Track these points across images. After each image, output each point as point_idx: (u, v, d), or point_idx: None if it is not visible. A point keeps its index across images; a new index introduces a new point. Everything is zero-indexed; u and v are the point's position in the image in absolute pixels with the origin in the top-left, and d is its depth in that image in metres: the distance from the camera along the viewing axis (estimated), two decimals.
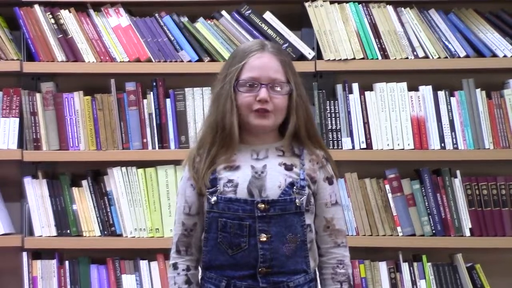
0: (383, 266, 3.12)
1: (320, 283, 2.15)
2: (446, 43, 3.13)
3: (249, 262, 2.06)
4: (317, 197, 2.13)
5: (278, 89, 2.08)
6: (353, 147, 3.12)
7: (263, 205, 2.05)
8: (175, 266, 2.15)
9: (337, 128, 3.13)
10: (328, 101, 3.13)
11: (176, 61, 3.15)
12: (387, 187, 3.13)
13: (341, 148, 3.12)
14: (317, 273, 2.16)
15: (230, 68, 2.11)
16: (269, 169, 2.08)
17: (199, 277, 2.16)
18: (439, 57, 3.12)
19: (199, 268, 2.17)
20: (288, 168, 2.10)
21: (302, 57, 3.16)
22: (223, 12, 3.18)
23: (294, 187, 2.07)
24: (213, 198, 2.07)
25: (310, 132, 2.13)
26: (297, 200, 2.06)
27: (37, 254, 3.20)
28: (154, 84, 3.15)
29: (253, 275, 2.06)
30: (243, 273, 2.06)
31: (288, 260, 2.07)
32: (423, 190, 3.12)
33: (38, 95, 3.17)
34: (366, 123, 3.12)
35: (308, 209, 2.10)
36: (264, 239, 2.05)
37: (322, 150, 2.16)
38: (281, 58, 2.11)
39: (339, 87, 3.14)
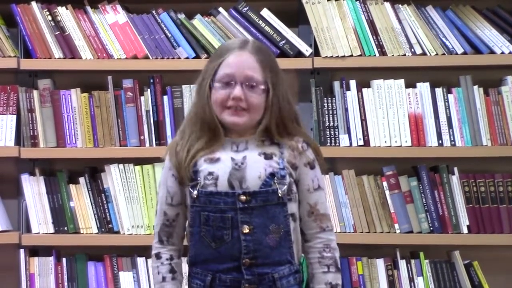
0: (380, 263, 3.12)
1: (308, 267, 2.15)
2: (444, 40, 3.13)
3: (233, 255, 2.06)
4: (299, 183, 2.13)
5: (254, 87, 2.08)
6: (351, 144, 3.12)
7: (244, 197, 2.05)
8: (158, 256, 2.16)
9: (335, 125, 3.13)
10: (325, 98, 3.13)
11: (173, 58, 3.15)
12: (385, 184, 3.12)
13: (339, 145, 3.12)
14: (302, 266, 2.16)
15: (210, 64, 2.13)
16: (249, 160, 2.08)
17: (186, 274, 2.16)
18: (437, 54, 3.12)
19: (181, 257, 2.18)
20: (268, 157, 2.10)
21: (299, 54, 3.15)
22: (220, 9, 3.18)
23: (275, 178, 2.07)
24: (194, 192, 2.08)
25: (279, 126, 2.11)
26: (279, 191, 2.06)
27: (34, 251, 3.20)
28: (151, 81, 3.15)
29: (238, 267, 2.06)
30: (227, 265, 2.07)
31: (273, 251, 2.07)
32: (421, 187, 3.12)
33: (35, 92, 3.16)
34: (363, 120, 3.12)
35: (291, 198, 2.10)
36: (247, 230, 2.05)
37: (300, 137, 2.15)
38: (260, 57, 2.10)
39: (336, 84, 3.14)
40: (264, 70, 2.10)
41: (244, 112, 2.08)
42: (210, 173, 2.08)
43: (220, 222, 2.06)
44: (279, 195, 2.07)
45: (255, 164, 2.08)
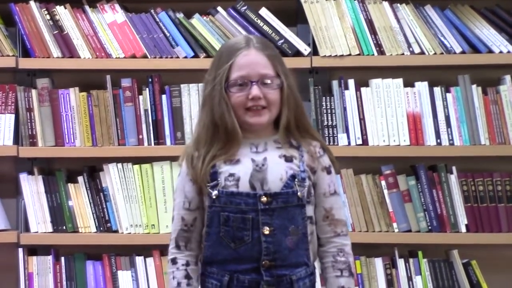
0: (379, 262, 3.12)
1: (322, 271, 2.15)
2: (442, 39, 3.13)
3: (253, 256, 2.05)
4: (316, 187, 2.13)
5: (269, 83, 2.08)
6: (349, 143, 3.12)
7: (265, 198, 2.04)
8: (174, 261, 2.13)
9: (333, 124, 3.13)
10: (324, 97, 3.13)
11: (171, 57, 3.14)
12: (383, 183, 3.13)
13: (337, 144, 3.12)
14: (316, 267, 2.16)
15: (218, 69, 2.09)
16: (270, 161, 2.08)
17: (199, 273, 2.15)
18: (435, 53, 3.12)
19: (199, 264, 2.15)
20: (288, 159, 2.09)
21: (298, 53, 3.15)
22: (219, 8, 3.18)
23: (296, 180, 2.07)
24: (214, 192, 2.07)
25: (300, 124, 2.12)
26: (299, 193, 2.06)
27: (33, 250, 3.20)
28: (150, 80, 3.15)
29: (257, 269, 2.05)
30: (246, 266, 2.06)
31: (290, 253, 2.06)
32: (419, 186, 3.12)
33: (33, 91, 3.16)
34: (362, 119, 3.12)
35: (309, 201, 2.10)
36: (267, 232, 2.04)
37: (317, 141, 2.15)
38: (267, 52, 2.10)
39: (335, 83, 3.14)
40: (274, 64, 2.09)
41: (264, 111, 2.08)
42: (231, 174, 2.07)
43: (240, 223, 2.05)
44: (299, 196, 2.07)
45: (276, 166, 2.08)
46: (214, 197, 2.07)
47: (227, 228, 2.06)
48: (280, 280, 2.06)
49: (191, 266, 2.13)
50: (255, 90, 2.06)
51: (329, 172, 2.15)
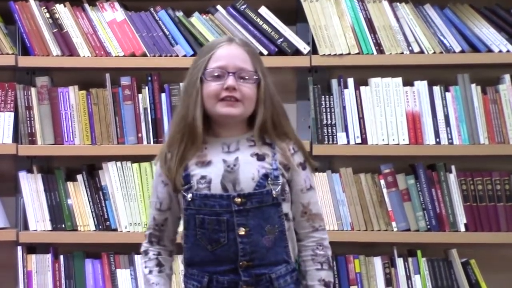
0: (377, 261, 3.12)
1: (300, 265, 2.15)
2: (442, 38, 3.13)
3: (230, 257, 2.06)
4: (292, 184, 2.13)
5: (246, 77, 2.08)
6: (348, 142, 3.12)
7: (239, 199, 2.05)
8: (146, 252, 2.18)
9: (332, 123, 3.13)
10: (323, 96, 3.13)
11: (171, 56, 3.15)
12: (382, 182, 3.12)
13: (336, 143, 3.12)
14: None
15: (198, 61, 2.11)
16: (241, 161, 2.08)
17: (182, 275, 2.17)
18: (434, 52, 3.12)
19: (173, 256, 2.19)
20: (260, 158, 2.09)
21: (297, 52, 3.15)
22: (218, 7, 3.18)
23: (269, 178, 2.07)
24: (189, 195, 2.07)
25: (276, 124, 2.11)
26: (273, 192, 2.06)
27: (32, 248, 3.20)
28: (149, 78, 3.15)
29: (235, 269, 2.06)
30: (224, 268, 2.07)
31: (268, 251, 2.07)
32: (418, 185, 3.12)
33: (33, 90, 3.17)
34: (361, 118, 3.12)
35: (284, 198, 2.10)
36: (243, 232, 2.05)
37: (291, 140, 2.15)
38: (248, 49, 2.12)
39: (334, 82, 3.14)
40: (254, 61, 2.10)
41: (238, 103, 2.07)
42: (203, 177, 2.08)
43: (215, 225, 2.06)
44: (274, 195, 2.07)
45: (248, 166, 2.08)
46: (189, 199, 2.07)
47: (203, 230, 2.07)
48: (259, 279, 2.07)
49: (163, 256, 2.17)
50: (230, 80, 2.06)
51: (304, 168, 2.15)
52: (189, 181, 2.08)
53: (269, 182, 2.07)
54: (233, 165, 2.07)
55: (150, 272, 2.15)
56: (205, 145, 2.11)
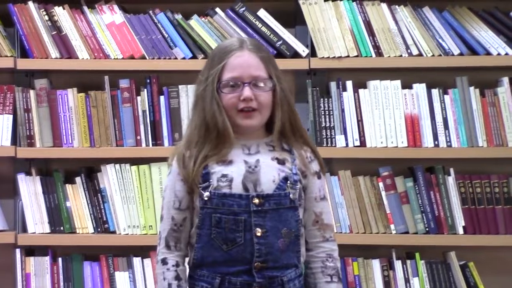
0: (376, 264, 3.12)
1: (309, 277, 2.14)
2: (440, 41, 3.14)
3: (245, 257, 2.05)
4: (306, 191, 2.13)
5: (262, 85, 2.07)
6: (347, 145, 3.12)
7: (258, 200, 2.04)
8: (164, 261, 2.12)
9: (331, 125, 3.13)
10: (322, 99, 3.13)
11: (170, 58, 3.15)
12: (381, 184, 3.13)
13: (335, 146, 3.12)
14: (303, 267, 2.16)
15: (210, 70, 2.09)
16: (262, 163, 2.08)
17: (187, 276, 2.15)
18: (433, 55, 3.12)
19: (186, 266, 2.16)
20: (281, 162, 2.10)
21: (296, 55, 3.15)
22: (217, 10, 3.18)
23: (288, 182, 2.07)
24: (206, 194, 2.06)
25: (294, 127, 2.12)
26: (291, 195, 2.06)
27: (30, 251, 3.20)
28: (148, 81, 3.15)
29: (248, 271, 2.05)
30: (237, 268, 2.05)
31: (282, 254, 2.06)
32: (417, 188, 3.12)
33: (32, 92, 3.16)
34: (360, 121, 3.12)
35: (300, 203, 2.10)
36: (260, 233, 2.04)
37: (307, 145, 2.16)
38: (260, 54, 2.10)
39: (333, 85, 3.14)
40: (267, 66, 2.09)
41: (255, 113, 2.07)
42: (224, 175, 2.07)
43: (233, 225, 2.05)
44: (291, 198, 2.07)
45: (269, 168, 2.08)
46: (206, 198, 2.06)
47: (219, 229, 2.05)
48: (272, 282, 2.06)
49: (181, 266, 2.13)
50: (246, 91, 2.06)
51: (319, 177, 2.15)
52: (208, 179, 2.07)
53: (288, 185, 2.07)
54: (255, 166, 2.07)
55: (169, 286, 2.10)
56: (230, 149, 2.10)
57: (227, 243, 2.05)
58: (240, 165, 2.08)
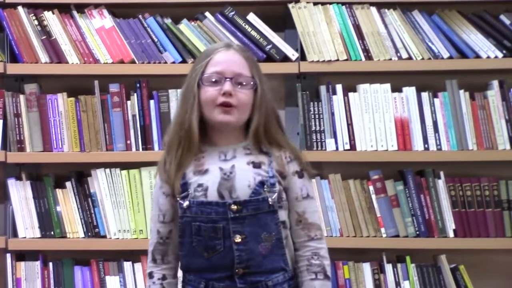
0: (367, 267, 3.12)
1: (298, 276, 2.13)
2: (430, 44, 3.14)
3: (226, 264, 2.05)
4: (288, 192, 2.12)
5: (243, 83, 2.09)
6: (337, 148, 3.12)
7: (235, 206, 2.05)
8: (150, 275, 2.14)
9: (321, 129, 3.13)
10: (311, 103, 3.13)
11: (159, 63, 3.15)
12: (371, 188, 3.13)
13: (325, 149, 3.12)
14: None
15: (195, 67, 2.12)
16: (237, 168, 2.08)
17: (180, 279, 2.16)
18: (423, 58, 3.12)
19: (177, 276, 2.17)
20: (256, 166, 2.09)
21: (285, 59, 3.15)
22: (207, 14, 3.18)
23: (265, 186, 2.07)
24: (185, 203, 2.07)
25: (268, 132, 2.12)
26: (269, 199, 2.06)
27: (21, 255, 3.20)
28: (138, 85, 3.15)
29: (231, 276, 2.06)
30: (220, 275, 2.06)
31: (265, 259, 2.06)
32: (407, 191, 3.12)
33: (21, 97, 3.16)
34: (349, 124, 3.12)
35: (281, 206, 2.09)
36: (239, 240, 2.04)
37: (286, 148, 2.14)
38: (246, 55, 2.12)
39: (322, 88, 3.14)
40: (251, 66, 2.11)
41: (233, 110, 2.08)
42: (200, 185, 2.08)
43: (212, 232, 2.05)
44: (270, 203, 2.06)
45: (244, 173, 2.08)
46: (185, 207, 2.07)
47: (199, 237, 2.06)
48: (255, 287, 2.06)
49: (168, 279, 2.14)
50: (227, 86, 2.07)
51: (300, 176, 2.14)
52: (187, 189, 2.08)
53: (265, 189, 2.07)
54: (229, 173, 2.07)
55: None
56: (202, 154, 2.11)
57: (208, 251, 2.06)
58: (216, 173, 2.08)
